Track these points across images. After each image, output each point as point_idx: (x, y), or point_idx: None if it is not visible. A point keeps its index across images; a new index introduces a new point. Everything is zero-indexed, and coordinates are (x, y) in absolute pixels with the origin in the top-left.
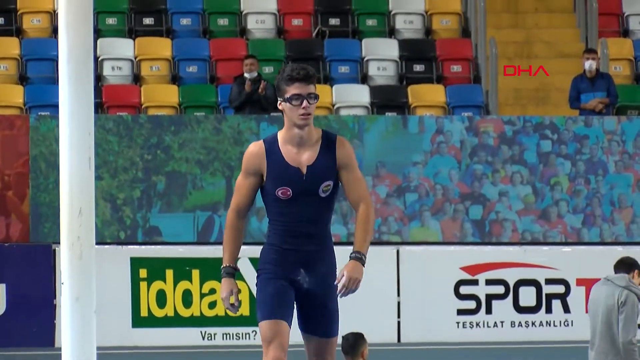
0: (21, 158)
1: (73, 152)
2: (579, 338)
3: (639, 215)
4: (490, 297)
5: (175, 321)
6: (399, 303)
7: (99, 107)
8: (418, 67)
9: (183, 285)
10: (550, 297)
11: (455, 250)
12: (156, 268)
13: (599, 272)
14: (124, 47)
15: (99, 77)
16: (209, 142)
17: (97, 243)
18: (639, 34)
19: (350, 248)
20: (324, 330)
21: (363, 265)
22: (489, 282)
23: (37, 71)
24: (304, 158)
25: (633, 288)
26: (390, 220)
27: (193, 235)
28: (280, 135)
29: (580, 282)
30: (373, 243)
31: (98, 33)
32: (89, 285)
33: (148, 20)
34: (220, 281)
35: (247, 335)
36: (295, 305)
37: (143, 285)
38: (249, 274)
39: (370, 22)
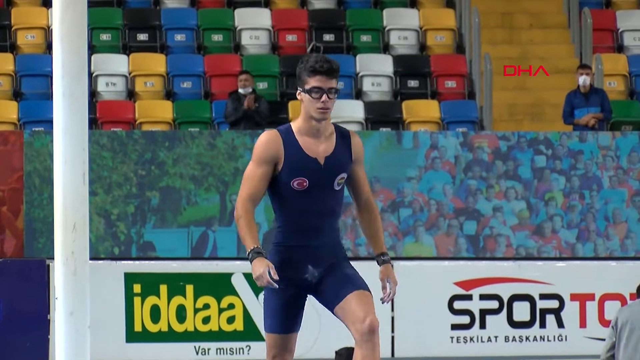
0: (15, 174)
1: (67, 167)
2: (573, 353)
3: (633, 230)
4: (484, 312)
5: (169, 336)
6: (392, 318)
7: (93, 122)
8: (412, 83)
9: (177, 300)
10: (544, 312)
11: (449, 266)
12: (150, 283)
13: (593, 287)
14: (118, 62)
15: (93, 93)
16: (203, 157)
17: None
18: (633, 50)
19: None
20: (354, 286)
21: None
22: (483, 297)
23: (32, 87)
24: (322, 149)
25: None
26: (384, 235)
27: (187, 251)
28: (295, 125)
29: (574, 297)
30: (367, 259)
31: (92, 49)
32: (83, 301)
33: (142, 36)
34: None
35: (241, 350)
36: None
37: (137, 300)
38: (244, 289)
39: (365, 37)
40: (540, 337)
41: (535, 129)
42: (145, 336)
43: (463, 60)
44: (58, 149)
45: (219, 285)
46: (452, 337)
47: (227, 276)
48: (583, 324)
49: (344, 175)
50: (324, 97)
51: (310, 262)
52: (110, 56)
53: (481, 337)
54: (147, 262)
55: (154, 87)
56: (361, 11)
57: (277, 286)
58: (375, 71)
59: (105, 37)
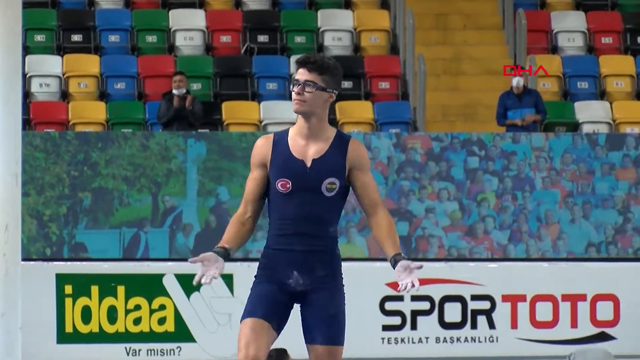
0: None
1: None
2: (504, 354)
3: (565, 231)
4: (415, 313)
5: (100, 337)
6: None
7: (26, 123)
8: (346, 84)
9: (108, 301)
10: (476, 313)
11: (381, 267)
12: (81, 284)
13: (524, 289)
14: (52, 63)
15: (26, 94)
16: (136, 158)
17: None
18: (567, 51)
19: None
20: (324, 337)
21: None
22: (414, 298)
23: None
24: (311, 151)
25: None
26: None
27: (119, 252)
28: (292, 128)
29: (505, 298)
30: None
31: (26, 50)
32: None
33: (76, 37)
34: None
35: (172, 352)
36: (290, 313)
37: (68, 301)
38: (175, 290)
39: (299, 39)
40: (472, 338)
41: (469, 130)
42: (77, 337)
43: (397, 61)
44: None
45: (150, 287)
46: (383, 338)
47: (159, 277)
48: (514, 325)
49: (334, 180)
50: (297, 88)
51: (296, 268)
52: (44, 57)
53: (412, 338)
54: (78, 263)
55: (87, 88)
56: (295, 12)
57: (201, 281)
58: None
59: (39, 37)
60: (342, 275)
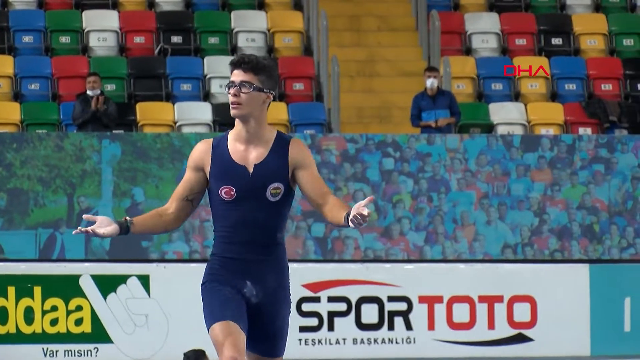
0: None
1: None
2: (422, 355)
3: (482, 232)
4: (332, 315)
5: (17, 338)
6: None
7: None
8: None
9: (25, 302)
10: (393, 314)
11: (297, 268)
12: None
13: (441, 290)
14: None
15: None
16: (51, 159)
17: None
18: (481, 52)
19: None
20: (266, 350)
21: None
22: (331, 299)
23: None
24: (252, 156)
25: None
26: None
27: (35, 252)
28: (231, 132)
29: (422, 299)
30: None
31: None
32: None
33: None
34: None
35: (89, 352)
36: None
37: None
38: (91, 291)
39: (213, 40)
40: (389, 339)
41: (383, 132)
42: None
43: (311, 62)
44: None
45: (67, 287)
46: (300, 340)
47: (75, 278)
48: (431, 326)
49: (278, 185)
50: (233, 89)
51: (249, 278)
52: None
53: (329, 340)
54: None
55: (1, 89)
56: (209, 13)
57: (83, 230)
58: (223, 73)
59: None
60: (289, 281)
